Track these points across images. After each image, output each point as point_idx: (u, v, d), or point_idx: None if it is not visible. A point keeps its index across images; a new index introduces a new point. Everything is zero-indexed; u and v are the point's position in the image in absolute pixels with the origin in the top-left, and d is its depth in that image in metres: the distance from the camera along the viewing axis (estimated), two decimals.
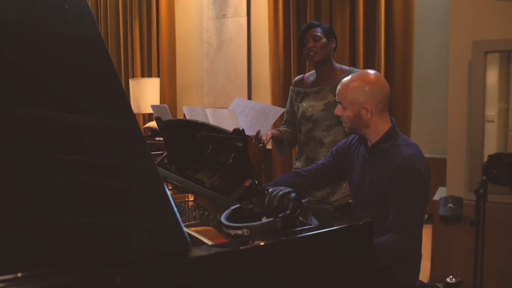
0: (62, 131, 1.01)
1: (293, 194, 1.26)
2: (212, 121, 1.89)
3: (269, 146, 5.03)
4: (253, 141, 2.33)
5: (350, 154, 1.97)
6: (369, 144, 1.86)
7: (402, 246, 1.68)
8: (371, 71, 1.85)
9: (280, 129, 2.61)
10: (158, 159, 2.26)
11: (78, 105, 1.06)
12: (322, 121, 2.42)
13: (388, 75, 4.19)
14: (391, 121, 1.85)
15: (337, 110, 1.87)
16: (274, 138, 2.55)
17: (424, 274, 2.98)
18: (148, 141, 5.02)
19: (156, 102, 5.19)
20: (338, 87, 1.86)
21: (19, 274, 0.84)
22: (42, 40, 1.06)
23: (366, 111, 1.77)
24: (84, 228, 0.95)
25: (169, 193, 1.06)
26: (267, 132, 2.41)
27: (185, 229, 1.36)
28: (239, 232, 1.19)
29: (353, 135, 2.01)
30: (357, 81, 1.80)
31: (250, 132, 2.34)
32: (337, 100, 1.87)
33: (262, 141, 2.35)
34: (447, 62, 2.97)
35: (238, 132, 1.60)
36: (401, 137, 1.82)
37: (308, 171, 2.10)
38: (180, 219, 1.02)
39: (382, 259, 1.66)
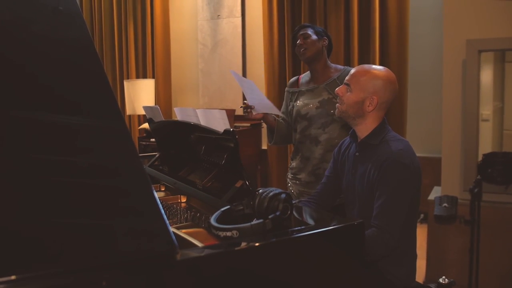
0: (50, 132, 1.00)
1: (283, 195, 1.25)
2: (203, 122, 1.88)
3: (264, 147, 5.03)
4: (242, 106, 2.45)
5: (342, 156, 1.95)
6: (359, 140, 1.84)
7: (384, 243, 1.64)
8: (393, 74, 1.83)
9: (276, 118, 2.62)
10: (151, 160, 2.24)
11: (66, 106, 1.05)
12: (317, 119, 2.43)
13: None
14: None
15: (339, 89, 1.83)
16: (266, 122, 2.56)
17: (419, 273, 2.97)
18: (143, 143, 5.02)
19: (151, 103, 5.17)
20: (355, 69, 1.83)
21: None
22: (31, 41, 1.05)
23: (370, 103, 1.75)
24: (69, 230, 0.93)
25: (156, 194, 1.04)
26: (258, 112, 2.47)
27: (176, 231, 1.36)
28: (229, 233, 1.18)
29: (344, 139, 2.00)
30: (379, 72, 1.78)
31: (248, 98, 2.44)
32: (345, 80, 1.83)
33: (249, 111, 2.43)
34: (441, 61, 2.97)
35: (229, 133, 1.58)
36: (391, 133, 1.80)
37: (319, 190, 2.04)
38: (167, 221, 1.01)
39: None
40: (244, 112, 2.45)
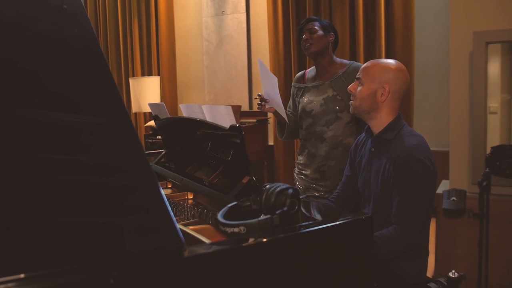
0: (56, 130, 1.00)
1: (290, 190, 1.24)
2: (208, 118, 1.88)
3: (271, 142, 5.02)
4: (255, 98, 2.43)
5: (358, 153, 1.94)
6: (374, 135, 1.84)
7: (405, 239, 1.65)
8: (403, 65, 1.85)
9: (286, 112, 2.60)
10: (158, 157, 2.24)
11: (72, 104, 1.04)
12: (322, 116, 2.41)
13: None
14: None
15: (351, 86, 1.84)
16: (277, 116, 2.52)
17: (429, 268, 2.94)
18: (150, 140, 5.02)
19: (157, 100, 5.18)
20: (366, 63, 1.84)
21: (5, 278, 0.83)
22: (35, 40, 1.05)
23: (382, 93, 1.76)
24: (76, 228, 0.93)
25: (162, 192, 1.04)
26: (271, 106, 2.43)
27: (183, 228, 1.36)
28: (236, 230, 1.17)
29: (360, 135, 1.99)
30: (389, 63, 1.80)
31: (264, 91, 2.39)
32: (357, 75, 1.84)
33: (263, 105, 2.39)
34: (448, 54, 2.94)
35: (235, 129, 1.58)
36: (406, 128, 1.79)
37: (340, 190, 2.05)
38: (174, 218, 1.01)
39: (385, 252, 1.63)
40: (258, 104, 2.43)
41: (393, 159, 1.70)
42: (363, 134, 1.96)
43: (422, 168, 1.67)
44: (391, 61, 1.82)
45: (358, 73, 1.83)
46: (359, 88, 1.80)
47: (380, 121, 1.80)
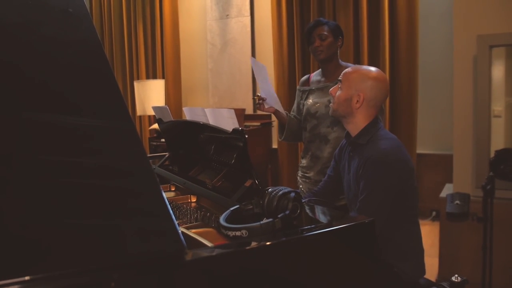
0: (59, 133, 1.01)
1: (292, 194, 1.24)
2: (211, 121, 1.89)
3: (275, 146, 5.02)
4: (254, 97, 2.48)
5: (342, 156, 1.97)
6: (350, 139, 1.87)
7: None
8: (384, 74, 1.88)
9: (288, 113, 2.62)
10: (161, 160, 2.25)
11: (75, 107, 1.05)
12: (326, 117, 2.42)
13: (393, 72, 4.16)
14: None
15: (332, 90, 1.88)
16: (277, 117, 2.56)
17: (432, 271, 2.95)
18: (154, 143, 5.04)
19: (162, 103, 5.20)
20: (348, 69, 1.87)
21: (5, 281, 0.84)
22: (40, 43, 1.06)
23: (357, 100, 1.79)
24: (77, 231, 0.94)
25: (164, 195, 1.04)
26: (271, 106, 2.48)
27: (185, 231, 1.36)
28: (238, 233, 1.18)
29: (343, 140, 2.02)
30: (368, 72, 1.83)
31: (261, 89, 2.43)
32: (339, 78, 1.87)
33: (262, 104, 2.44)
34: (452, 57, 2.94)
35: (238, 132, 1.58)
36: (380, 132, 1.81)
37: (320, 187, 2.09)
38: (175, 221, 1.01)
39: None
40: (256, 104, 2.46)
41: (363, 162, 1.74)
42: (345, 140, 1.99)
43: (384, 170, 1.70)
44: (372, 69, 1.84)
45: (341, 75, 1.87)
46: (338, 92, 1.84)
47: (355, 126, 1.83)
